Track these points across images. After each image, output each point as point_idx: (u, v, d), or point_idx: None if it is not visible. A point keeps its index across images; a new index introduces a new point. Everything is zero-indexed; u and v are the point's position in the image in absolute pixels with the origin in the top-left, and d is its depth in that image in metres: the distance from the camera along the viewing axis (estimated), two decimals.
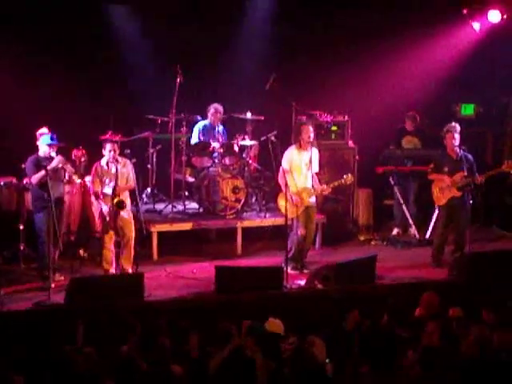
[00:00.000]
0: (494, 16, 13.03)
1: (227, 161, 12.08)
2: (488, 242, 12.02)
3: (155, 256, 11.20)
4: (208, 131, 12.36)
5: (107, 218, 10.17)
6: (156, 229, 11.24)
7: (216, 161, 12.03)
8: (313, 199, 10.74)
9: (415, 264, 11.07)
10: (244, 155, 12.25)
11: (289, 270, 10.27)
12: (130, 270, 10.23)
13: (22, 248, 10.58)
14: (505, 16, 12.98)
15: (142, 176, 11.99)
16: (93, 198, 10.73)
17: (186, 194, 12.32)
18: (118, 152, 10.31)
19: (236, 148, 12.13)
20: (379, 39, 12.90)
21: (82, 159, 10.98)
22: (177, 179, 12.15)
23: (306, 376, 6.41)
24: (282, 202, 10.56)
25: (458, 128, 10.98)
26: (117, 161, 10.23)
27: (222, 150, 11.98)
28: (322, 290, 9.90)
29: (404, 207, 12.52)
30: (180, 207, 12.11)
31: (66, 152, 10.44)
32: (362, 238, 12.50)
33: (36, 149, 10.02)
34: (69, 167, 10.14)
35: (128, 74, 12.61)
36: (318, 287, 9.97)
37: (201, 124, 12.45)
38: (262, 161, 12.56)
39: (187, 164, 12.19)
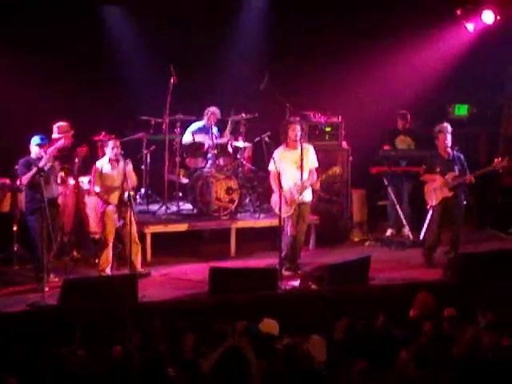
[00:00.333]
0: (488, 17, 13.03)
1: (221, 162, 12.07)
2: (481, 243, 12.00)
3: (149, 257, 11.16)
4: (202, 133, 12.34)
5: (115, 216, 10.14)
6: (150, 230, 11.21)
7: (210, 162, 12.02)
8: (307, 197, 10.58)
9: (409, 265, 11.06)
10: (238, 156, 12.24)
11: (283, 271, 10.27)
12: (140, 266, 10.28)
13: (15, 249, 10.56)
14: (498, 17, 12.98)
15: (136, 177, 11.94)
16: (87, 199, 10.72)
17: (180, 194, 12.31)
18: (120, 149, 10.30)
19: (230, 149, 12.13)
20: (373, 40, 12.90)
21: (76, 160, 10.93)
22: (171, 180, 12.12)
23: (299, 376, 6.40)
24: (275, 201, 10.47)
25: (450, 128, 11.00)
26: (119, 158, 10.23)
27: (215, 151, 11.98)
28: (316, 290, 9.90)
29: (398, 208, 12.51)
30: (174, 208, 12.09)
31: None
32: (356, 239, 12.48)
33: (29, 151, 10.01)
34: (56, 164, 10.09)
35: (122, 74, 12.58)
36: (312, 288, 9.97)
37: (195, 125, 12.45)
38: (255, 162, 12.54)
39: (181, 165, 12.19)
